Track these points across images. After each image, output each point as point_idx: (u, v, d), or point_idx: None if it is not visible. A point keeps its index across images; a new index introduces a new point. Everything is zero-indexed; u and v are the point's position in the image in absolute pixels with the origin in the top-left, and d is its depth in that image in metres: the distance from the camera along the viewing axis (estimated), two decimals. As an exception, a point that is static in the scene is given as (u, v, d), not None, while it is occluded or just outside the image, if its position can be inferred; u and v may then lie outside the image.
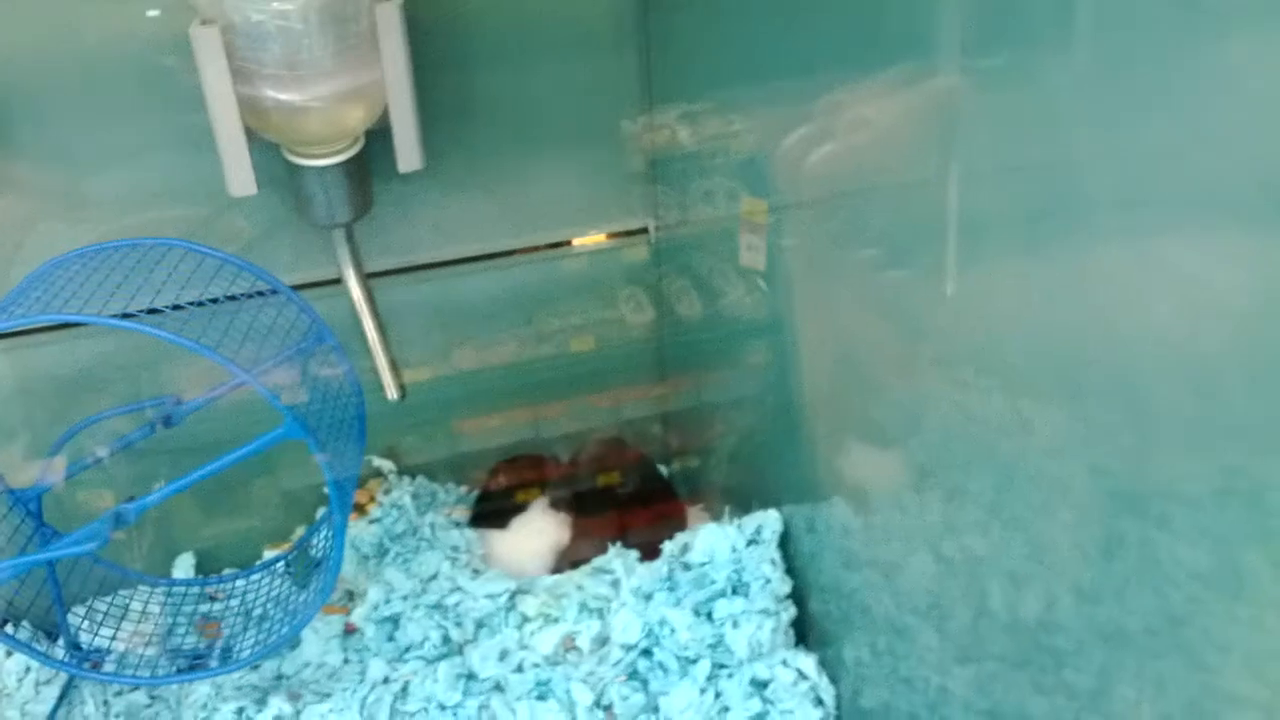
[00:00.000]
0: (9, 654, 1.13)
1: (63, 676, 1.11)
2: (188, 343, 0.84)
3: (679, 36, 1.09)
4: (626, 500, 1.23)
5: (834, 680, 0.97)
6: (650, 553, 1.11)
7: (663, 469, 1.36)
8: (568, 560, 1.18)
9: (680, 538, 1.08)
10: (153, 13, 1.01)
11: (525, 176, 1.19)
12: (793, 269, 0.98)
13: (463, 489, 1.31)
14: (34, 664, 1.12)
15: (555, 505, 1.22)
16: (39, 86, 1.02)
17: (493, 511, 1.24)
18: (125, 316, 0.86)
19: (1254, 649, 0.54)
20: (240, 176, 1.01)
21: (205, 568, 1.24)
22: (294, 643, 1.10)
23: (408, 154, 1.05)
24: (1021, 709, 0.72)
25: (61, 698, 1.10)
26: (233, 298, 0.97)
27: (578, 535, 1.19)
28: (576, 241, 1.24)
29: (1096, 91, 0.56)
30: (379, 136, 1.05)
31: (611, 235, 1.25)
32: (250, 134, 0.99)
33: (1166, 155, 0.53)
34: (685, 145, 1.14)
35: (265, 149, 1.02)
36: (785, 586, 1.01)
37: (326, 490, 1.24)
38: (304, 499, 1.26)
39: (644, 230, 1.24)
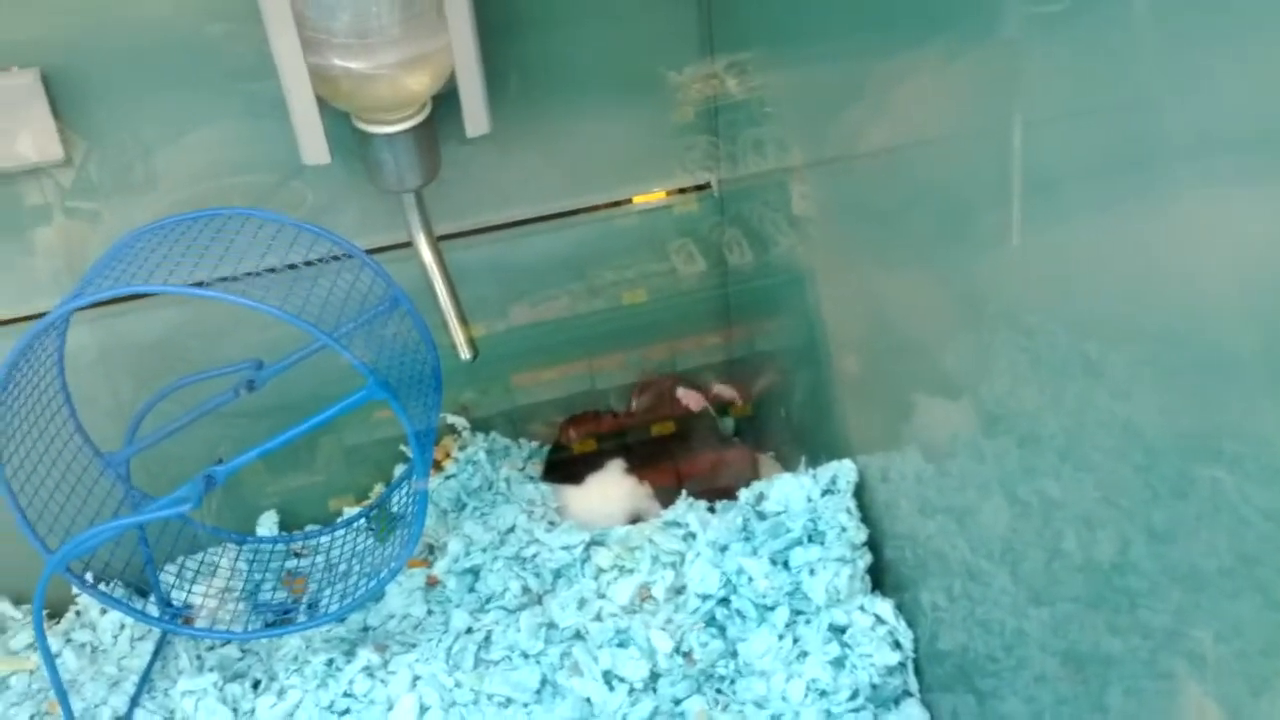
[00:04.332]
0: (104, 611, 1.17)
1: (156, 632, 1.15)
2: (273, 310, 0.86)
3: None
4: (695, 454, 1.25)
5: (911, 624, 0.99)
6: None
7: (727, 420, 1.37)
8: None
9: (756, 487, 1.09)
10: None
11: (588, 136, 1.20)
12: (853, 221, 0.99)
13: (534, 444, 1.33)
14: (128, 621, 1.16)
15: (631, 468, 1.24)
16: (105, 64, 1.04)
17: (566, 467, 1.26)
18: (205, 285, 0.88)
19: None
20: (314, 146, 1.03)
21: (284, 525, 1.27)
22: (378, 596, 1.13)
23: (476, 118, 1.07)
24: (1097, 649, 0.73)
25: (156, 652, 1.13)
26: (309, 263, 0.99)
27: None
28: (638, 199, 1.25)
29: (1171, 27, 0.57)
30: (442, 101, 1.06)
31: (673, 192, 1.26)
32: (319, 103, 1.01)
33: (1240, 97, 0.53)
34: (745, 99, 1.14)
35: (332, 116, 1.04)
36: (861, 534, 1.03)
37: (402, 448, 1.27)
38: (374, 456, 1.29)
39: (706, 186, 1.25)
